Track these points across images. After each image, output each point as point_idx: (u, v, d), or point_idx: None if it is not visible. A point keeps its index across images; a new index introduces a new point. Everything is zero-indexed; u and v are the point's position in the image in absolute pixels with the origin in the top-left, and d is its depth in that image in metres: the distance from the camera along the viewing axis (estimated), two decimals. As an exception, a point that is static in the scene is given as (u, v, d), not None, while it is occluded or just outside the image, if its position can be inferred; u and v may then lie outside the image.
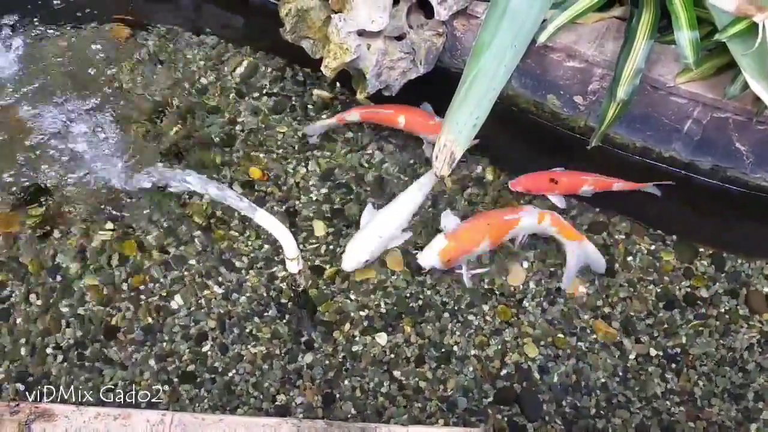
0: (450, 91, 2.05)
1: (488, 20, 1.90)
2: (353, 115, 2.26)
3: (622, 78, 1.90)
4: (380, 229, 2.06)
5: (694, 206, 2.27)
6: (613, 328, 2.01)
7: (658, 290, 2.08)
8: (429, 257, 1.99)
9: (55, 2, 2.61)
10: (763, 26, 1.72)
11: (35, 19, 2.54)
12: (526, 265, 2.10)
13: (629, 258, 2.13)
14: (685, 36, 1.84)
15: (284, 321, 1.99)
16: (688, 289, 2.09)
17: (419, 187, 2.15)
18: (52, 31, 2.52)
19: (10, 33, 2.48)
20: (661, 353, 1.97)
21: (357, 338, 1.97)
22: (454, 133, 1.92)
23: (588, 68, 2.07)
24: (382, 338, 1.98)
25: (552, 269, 2.09)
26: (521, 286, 2.06)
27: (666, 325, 2.02)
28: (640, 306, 2.05)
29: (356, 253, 2.03)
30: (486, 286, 2.06)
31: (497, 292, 2.05)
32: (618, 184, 2.17)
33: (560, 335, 1.99)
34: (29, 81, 2.37)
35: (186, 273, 2.04)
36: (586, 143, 2.11)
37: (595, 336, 2.00)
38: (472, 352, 1.96)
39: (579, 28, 2.05)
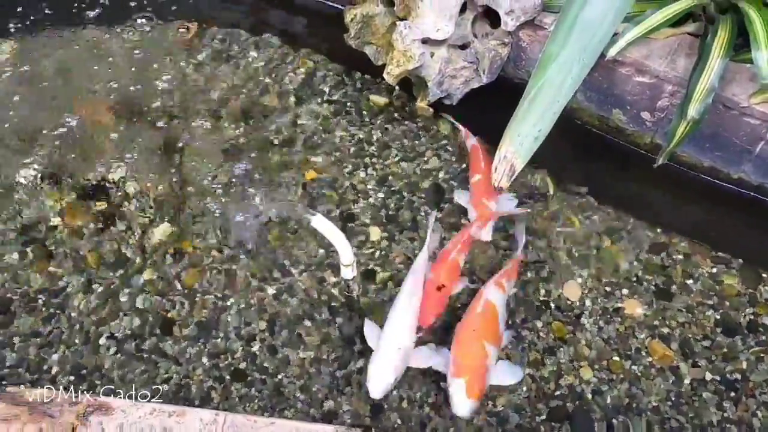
0: (511, 102, 2.02)
1: (557, 31, 1.87)
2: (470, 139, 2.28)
3: (694, 96, 1.85)
4: (396, 341, 1.86)
5: (762, 230, 2.19)
6: (671, 350, 1.96)
7: (718, 316, 2.02)
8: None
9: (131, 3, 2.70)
10: None
11: (109, 13, 2.62)
12: (580, 280, 2.07)
13: (689, 281, 2.07)
14: (763, 56, 1.78)
15: (335, 326, 1.99)
16: (752, 316, 2.02)
17: (414, 278, 1.95)
18: (127, 26, 2.60)
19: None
20: (718, 378, 1.91)
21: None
22: (515, 145, 1.90)
23: (658, 84, 2.01)
24: (431, 348, 1.97)
25: (608, 288, 2.06)
26: (577, 302, 2.03)
27: (725, 350, 1.96)
28: (698, 330, 1.99)
29: (382, 377, 1.81)
30: (542, 298, 2.03)
31: (552, 306, 2.02)
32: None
33: (615, 357, 1.95)
34: (101, 75, 2.44)
35: (239, 273, 2.06)
36: (652, 160, 2.05)
37: (650, 359, 1.95)
38: (526, 370, 1.93)
39: (651, 43, 2.00)
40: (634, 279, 2.07)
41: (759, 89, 1.89)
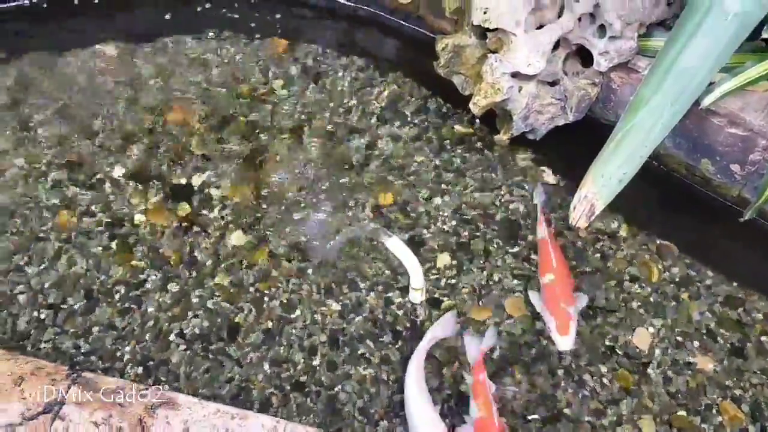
0: (595, 141, 2.00)
1: (651, 76, 1.85)
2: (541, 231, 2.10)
3: (791, 153, 1.80)
4: None
5: None
6: (742, 413, 1.87)
7: (797, 377, 1.93)
8: None
9: (234, 15, 2.82)
10: None
11: (209, 27, 2.74)
12: (651, 329, 2.01)
13: (764, 338, 1.99)
14: None
15: (396, 348, 2.00)
16: (835, 387, 1.92)
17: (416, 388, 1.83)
18: (224, 39, 2.71)
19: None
20: (790, 450, 1.82)
21: (465, 379, 1.94)
22: (598, 186, 1.88)
23: (751, 137, 1.96)
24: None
25: (680, 338, 1.99)
26: (646, 351, 1.97)
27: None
28: (772, 395, 1.91)
29: None
30: (608, 344, 1.98)
31: (619, 352, 1.97)
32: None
33: (682, 412, 1.88)
34: (195, 84, 2.55)
35: (306, 286, 2.09)
36: (738, 213, 2.00)
37: (720, 418, 1.87)
38: (585, 417, 1.88)
39: (747, 95, 1.96)
40: (708, 333, 2.01)
41: None
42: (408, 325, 2.02)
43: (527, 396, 1.90)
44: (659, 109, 1.84)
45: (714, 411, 1.87)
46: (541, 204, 2.12)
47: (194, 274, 2.10)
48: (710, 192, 2.21)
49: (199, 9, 2.82)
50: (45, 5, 2.78)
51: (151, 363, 1.93)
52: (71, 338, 1.94)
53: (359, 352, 1.98)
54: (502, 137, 2.17)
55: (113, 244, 2.14)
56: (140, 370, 1.91)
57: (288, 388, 1.92)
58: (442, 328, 1.90)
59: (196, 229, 2.18)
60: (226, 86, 2.54)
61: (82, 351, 1.92)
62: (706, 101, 1.90)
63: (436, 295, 2.06)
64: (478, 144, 2.40)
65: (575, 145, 2.23)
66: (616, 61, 2.01)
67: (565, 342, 1.85)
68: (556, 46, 2.04)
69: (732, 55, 1.87)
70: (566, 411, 1.88)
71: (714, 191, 2.19)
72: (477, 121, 2.42)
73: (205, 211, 2.22)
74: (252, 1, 2.85)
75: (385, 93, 2.54)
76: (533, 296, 2.00)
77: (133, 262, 2.10)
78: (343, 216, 2.22)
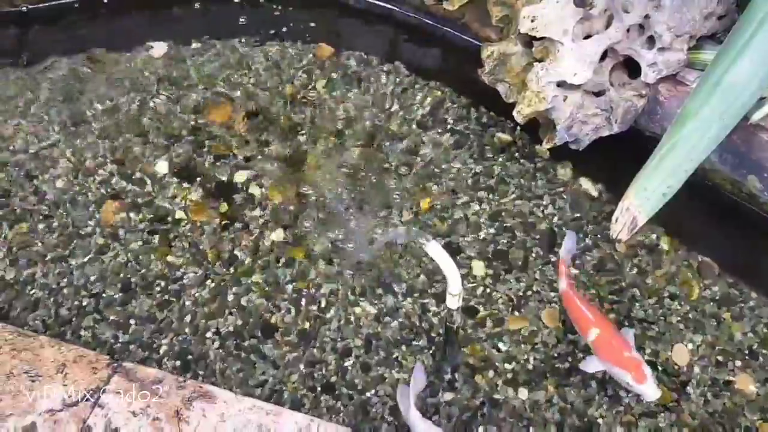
0: (639, 154, 1.98)
1: (699, 89, 1.83)
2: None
3: (842, 171, 1.76)
4: None
5: None
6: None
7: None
8: None
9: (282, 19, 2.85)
10: None
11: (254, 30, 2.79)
12: (691, 346, 1.97)
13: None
14: None
15: (430, 353, 1.99)
16: None
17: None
18: (270, 43, 2.75)
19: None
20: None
21: (498, 387, 1.93)
22: (641, 198, 1.86)
23: (801, 154, 1.93)
24: (522, 393, 1.93)
25: (720, 357, 1.96)
26: (685, 368, 1.94)
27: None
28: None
29: None
30: (647, 358, 1.95)
31: (659, 368, 1.94)
32: None
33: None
34: (241, 85, 2.60)
35: (341, 288, 2.10)
36: (785, 233, 1.96)
37: (760, 435, 1.83)
38: (618, 430, 1.86)
39: (798, 110, 1.92)
40: (749, 353, 1.97)
41: None
42: (442, 331, 2.02)
43: (562, 405, 1.89)
44: (707, 123, 1.81)
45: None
46: (565, 253, 1.98)
47: (232, 271, 2.13)
48: (756, 209, 2.16)
49: (244, 9, 2.87)
50: (102, 1, 2.85)
51: (189, 357, 1.96)
52: (111, 328, 1.99)
53: (393, 356, 1.99)
54: (545, 146, 2.16)
55: (155, 239, 2.18)
56: (177, 363, 1.95)
57: (319, 389, 1.94)
58: (415, 383, 1.83)
59: (236, 226, 2.22)
60: (270, 88, 2.58)
61: (121, 341, 1.96)
62: (756, 116, 1.86)
63: (472, 303, 2.06)
64: (519, 153, 2.39)
65: (619, 156, 2.20)
66: (665, 73, 1.99)
67: (649, 389, 1.72)
68: (604, 56, 2.02)
69: (784, 70, 1.84)
70: (599, 422, 1.86)
71: (760, 208, 2.14)
72: (519, 130, 2.41)
73: (245, 210, 2.25)
74: (299, 5, 2.89)
75: (428, 99, 2.55)
76: (588, 365, 1.85)
77: (170, 258, 2.14)
78: (381, 219, 2.22)
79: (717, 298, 2.07)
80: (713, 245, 2.13)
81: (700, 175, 2.18)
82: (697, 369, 1.93)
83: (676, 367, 1.93)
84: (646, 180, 1.85)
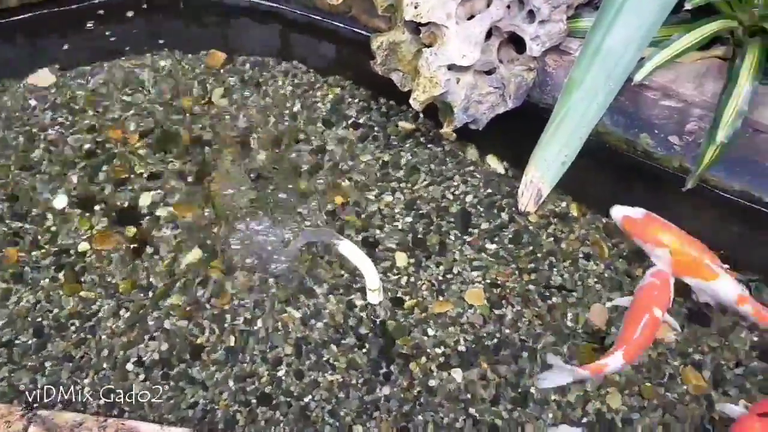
0: (538, 126, 2.02)
1: (581, 58, 1.88)
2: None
3: (723, 120, 1.84)
4: None
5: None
6: (704, 379, 1.92)
7: (755, 338, 1.97)
8: (617, 213, 1.88)
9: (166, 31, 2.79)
10: None
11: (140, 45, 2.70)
12: (609, 305, 2.04)
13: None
14: (794, 79, 1.77)
15: (363, 351, 1.99)
16: (786, 344, 1.98)
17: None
18: (157, 55, 2.67)
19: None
20: (750, 404, 1.85)
21: (433, 373, 1.95)
22: (542, 169, 1.90)
23: (685, 108, 2.01)
24: (457, 374, 1.95)
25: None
26: (605, 327, 2.00)
27: (761, 378, 1.91)
28: (731, 355, 1.95)
29: None
30: (569, 324, 2.00)
31: (580, 331, 1.99)
32: None
33: (647, 384, 1.91)
34: (133, 103, 2.51)
35: (264, 297, 2.06)
36: (681, 183, 2.04)
37: (685, 386, 1.91)
38: (552, 397, 1.91)
39: (678, 67, 2.00)
40: (665, 304, 2.05)
41: (790, 113, 1.87)
42: (371, 326, 2.03)
43: (497, 381, 1.92)
44: (593, 89, 1.87)
45: (678, 380, 1.91)
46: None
47: (149, 297, 2.06)
48: (653, 165, 2.25)
49: (126, 27, 2.78)
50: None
51: (113, 393, 1.87)
52: (29, 374, 1.89)
53: (324, 358, 1.97)
54: (446, 130, 2.18)
55: (61, 275, 2.08)
56: (102, 401, 1.86)
57: (254, 402, 1.91)
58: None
59: (146, 250, 2.14)
60: (165, 103, 2.50)
61: (39, 386, 1.87)
62: (638, 77, 1.93)
63: (399, 294, 2.07)
64: (424, 139, 2.41)
65: (519, 131, 2.24)
66: (548, 45, 2.03)
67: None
68: (489, 35, 2.05)
69: (659, 29, 1.92)
70: (533, 391, 1.91)
71: (657, 164, 2.23)
72: (421, 116, 2.43)
73: (154, 232, 2.19)
74: (180, 14, 2.82)
75: (329, 96, 2.53)
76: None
77: (82, 293, 2.06)
78: (296, 223, 2.20)
79: (626, 254, 2.14)
80: (617, 203, 2.16)
81: (596, 139, 2.25)
82: (614, 328, 1.99)
83: (596, 327, 2.00)
84: (544, 151, 1.89)
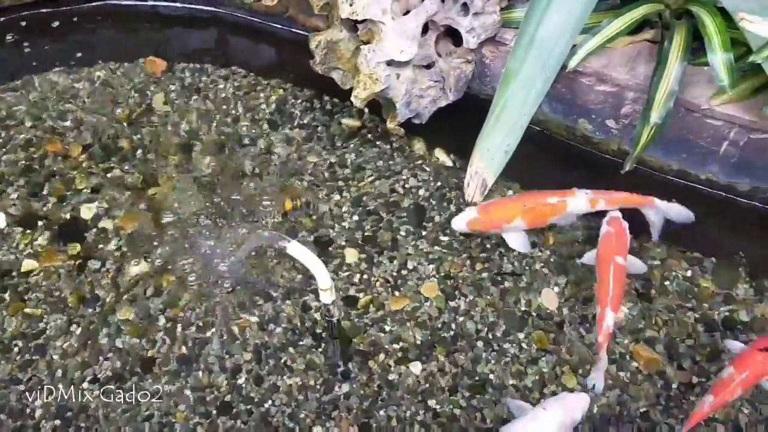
0: (480, 117, 2.04)
1: (516, 48, 1.91)
2: None
3: (656, 101, 1.89)
4: None
5: (733, 229, 2.22)
6: (656, 353, 1.97)
7: (698, 315, 2.04)
8: (459, 223, 2.01)
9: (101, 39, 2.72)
10: (800, 46, 1.69)
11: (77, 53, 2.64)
12: (557, 289, 2.08)
13: (666, 283, 2.09)
14: (718, 58, 1.82)
15: (320, 351, 1.99)
16: (727, 314, 2.04)
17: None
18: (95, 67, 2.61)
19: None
20: (704, 380, 1.92)
21: (392, 368, 1.95)
22: (486, 160, 1.93)
23: (620, 92, 2.05)
24: (415, 368, 1.96)
25: (586, 293, 2.07)
26: (556, 310, 2.04)
27: (708, 350, 1.98)
28: (679, 331, 2.01)
29: None
30: (522, 309, 2.04)
31: (533, 315, 2.03)
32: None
33: (598, 361, 1.95)
34: (71, 115, 2.45)
35: (218, 305, 2.04)
36: (621, 166, 2.08)
37: (636, 363, 1.96)
38: (510, 381, 1.94)
39: (609, 52, 2.04)
40: (612, 284, 2.10)
41: (718, 91, 1.93)
42: (326, 326, 2.02)
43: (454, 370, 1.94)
44: (530, 78, 1.90)
45: (628, 357, 1.96)
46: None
47: (98, 312, 2.02)
48: (593, 150, 2.30)
49: (54, 37, 2.72)
50: None
51: (69, 413, 1.84)
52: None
53: (283, 361, 1.96)
54: (390, 126, 2.18)
55: (6, 296, 2.03)
56: (57, 422, 1.83)
57: (214, 412, 1.88)
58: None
59: (92, 265, 2.10)
60: (104, 113, 2.45)
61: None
62: (572, 63, 1.97)
63: (351, 292, 2.07)
64: (371, 135, 2.41)
65: (462, 123, 2.25)
66: (484, 36, 2.06)
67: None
68: (426, 29, 2.07)
69: (589, 16, 1.96)
70: (491, 377, 1.93)
71: (596, 148, 2.28)
72: (366, 113, 2.43)
73: (100, 246, 2.14)
74: (113, 24, 2.77)
75: (272, 98, 2.51)
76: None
77: (27, 310, 2.01)
78: (245, 228, 2.18)
79: (573, 239, 2.17)
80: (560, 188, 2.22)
81: (537, 127, 2.30)
82: (566, 309, 2.04)
83: (548, 311, 2.03)
84: (487, 141, 1.92)
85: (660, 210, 2.01)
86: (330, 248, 2.15)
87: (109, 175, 2.30)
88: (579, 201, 1.98)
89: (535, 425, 1.63)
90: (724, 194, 2.20)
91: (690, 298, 2.06)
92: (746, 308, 2.02)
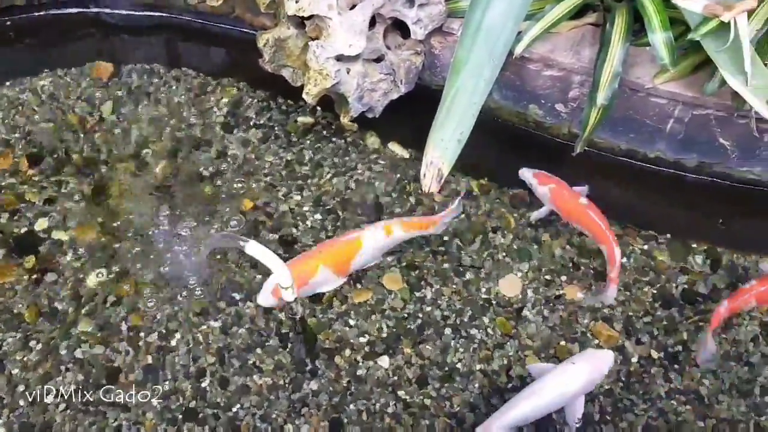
0: (433, 108, 2.06)
1: (463, 37, 1.93)
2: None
3: (601, 83, 1.93)
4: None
5: (684, 204, 2.29)
6: (615, 331, 2.01)
7: (655, 290, 2.09)
8: (265, 299, 1.93)
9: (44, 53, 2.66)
10: (734, 22, 1.74)
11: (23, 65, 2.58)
12: (520, 274, 2.11)
13: (623, 259, 2.14)
14: (658, 37, 1.87)
15: (286, 350, 1.98)
16: (685, 286, 2.10)
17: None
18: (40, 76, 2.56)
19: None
20: (662, 354, 1.97)
21: (359, 363, 1.96)
22: (440, 149, 1.94)
23: (566, 76, 2.09)
24: (383, 361, 1.97)
25: (548, 276, 2.11)
26: (519, 296, 2.07)
27: (666, 323, 2.02)
28: (638, 307, 2.06)
29: None
30: (484, 296, 2.06)
31: (494, 303, 2.05)
32: None
33: (562, 342, 1.99)
34: (19, 127, 2.40)
35: (180, 311, 2.02)
36: (572, 149, 2.12)
37: (597, 341, 2.00)
38: (477, 366, 1.95)
39: (554, 37, 2.08)
40: (572, 265, 2.13)
41: (660, 70, 1.98)
42: (291, 324, 2.02)
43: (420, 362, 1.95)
44: (478, 67, 1.92)
45: (589, 335, 2.00)
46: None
47: (57, 326, 1.99)
48: (545, 134, 2.33)
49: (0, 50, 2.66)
50: None
51: (33, 429, 1.80)
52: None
53: (250, 362, 1.95)
54: (344, 121, 2.18)
55: (-39, 316, 1.98)
56: (22, 439, 1.80)
57: (180, 418, 1.86)
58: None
59: (48, 278, 2.06)
60: (52, 123, 2.40)
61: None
62: (518, 50, 2.00)
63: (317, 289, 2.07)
64: (326, 132, 2.41)
65: (416, 114, 2.27)
66: (431, 27, 2.07)
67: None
68: (373, 22, 2.07)
69: (533, 2, 1.98)
70: (458, 366, 1.95)
71: (548, 133, 2.32)
72: (319, 110, 2.43)
73: (55, 258, 2.10)
74: (54, 32, 2.72)
75: (224, 99, 2.49)
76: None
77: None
78: (204, 232, 2.16)
79: (532, 223, 2.21)
80: (516, 175, 2.23)
81: (489, 115, 2.32)
82: (530, 293, 2.07)
83: (510, 297, 2.06)
84: (440, 131, 1.93)
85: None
86: (295, 247, 2.15)
87: (61, 186, 2.26)
88: (373, 233, 1.98)
89: (565, 378, 1.74)
90: (673, 171, 2.26)
91: (647, 271, 2.11)
92: (703, 280, 2.09)
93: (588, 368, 1.75)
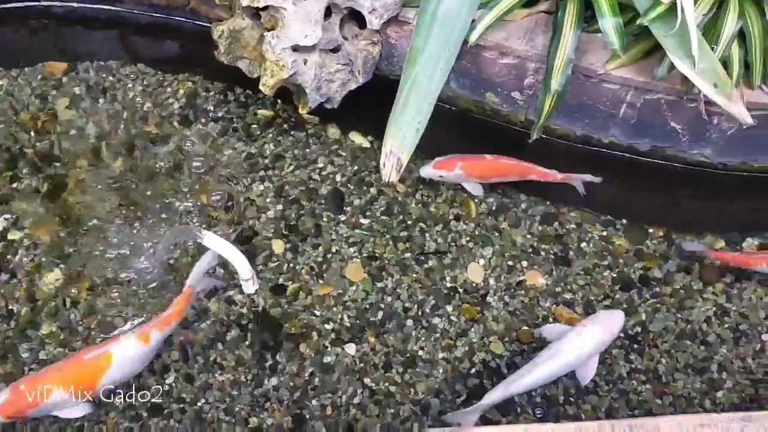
0: (391, 97, 2.06)
1: (419, 26, 1.93)
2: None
3: (554, 70, 1.95)
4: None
5: (639, 188, 2.33)
6: (576, 314, 2.04)
7: (614, 275, 2.13)
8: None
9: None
10: (681, 7, 1.78)
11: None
12: (483, 261, 2.13)
13: (582, 245, 2.18)
14: (609, 23, 1.90)
15: (247, 343, 1.97)
16: (642, 270, 2.14)
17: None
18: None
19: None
20: (622, 335, 2.01)
21: (328, 349, 1.96)
22: (399, 139, 1.95)
23: (521, 63, 2.11)
24: (350, 349, 1.97)
25: (510, 263, 2.13)
26: (482, 282, 2.09)
27: (625, 306, 2.06)
28: (598, 291, 2.09)
29: None
30: (449, 285, 2.08)
31: (460, 290, 2.07)
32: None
33: (525, 327, 2.01)
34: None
35: (140, 309, 1.99)
36: (529, 137, 2.15)
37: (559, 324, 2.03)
38: (440, 354, 1.97)
39: (508, 25, 2.09)
40: (532, 251, 2.16)
41: (611, 56, 2.01)
42: (252, 317, 2.00)
43: (385, 350, 1.96)
44: (434, 56, 1.93)
45: (551, 319, 2.03)
46: None
47: (14, 327, 1.95)
48: (502, 122, 2.36)
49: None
50: None
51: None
52: None
53: (212, 358, 1.94)
54: (302, 112, 2.18)
55: None
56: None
57: (146, 414, 1.85)
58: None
59: (5, 278, 2.02)
60: (5, 121, 2.35)
61: None
62: (472, 38, 2.01)
63: (280, 281, 2.06)
64: (286, 125, 2.40)
65: (374, 104, 2.25)
66: (386, 16, 2.07)
67: None
68: (329, 12, 2.07)
69: (486, -9, 2.00)
70: (420, 353, 1.96)
71: (505, 120, 2.34)
72: (279, 102, 2.41)
73: (9, 258, 2.06)
74: (8, 25, 2.65)
75: (181, 92, 2.46)
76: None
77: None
78: (163, 227, 2.13)
79: (493, 209, 2.24)
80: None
81: (447, 103, 2.34)
82: (492, 280, 2.09)
83: (474, 284, 2.08)
84: (398, 121, 1.93)
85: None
86: (255, 239, 2.13)
87: (15, 185, 2.21)
88: (125, 343, 1.76)
89: (580, 339, 1.82)
90: (628, 155, 2.30)
91: (606, 256, 2.15)
92: (658, 264, 2.13)
93: (600, 329, 1.85)
